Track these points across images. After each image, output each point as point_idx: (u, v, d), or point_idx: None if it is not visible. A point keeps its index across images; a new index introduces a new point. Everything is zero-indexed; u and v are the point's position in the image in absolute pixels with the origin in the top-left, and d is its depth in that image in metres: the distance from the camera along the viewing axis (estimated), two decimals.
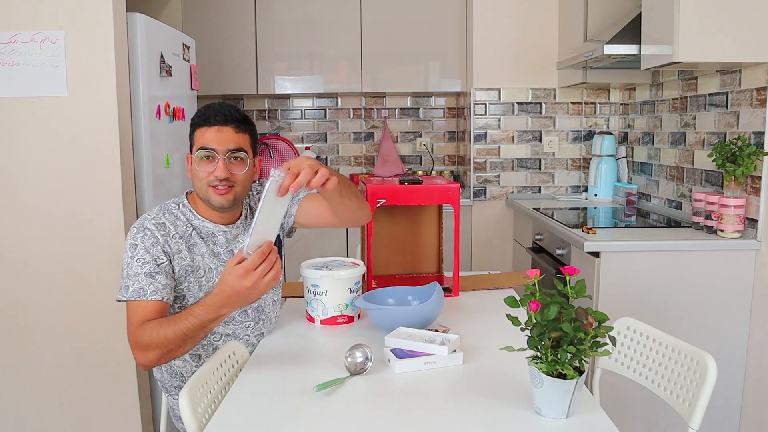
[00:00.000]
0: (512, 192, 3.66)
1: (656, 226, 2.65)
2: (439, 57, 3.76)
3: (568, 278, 1.18)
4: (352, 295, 1.69)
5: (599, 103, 3.60)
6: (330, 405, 1.22)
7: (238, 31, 3.70)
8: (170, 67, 2.61)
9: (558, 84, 3.54)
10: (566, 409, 1.13)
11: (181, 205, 1.58)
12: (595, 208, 3.25)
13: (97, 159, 2.25)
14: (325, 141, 4.16)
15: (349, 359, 1.36)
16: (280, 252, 1.73)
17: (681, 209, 2.82)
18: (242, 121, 1.54)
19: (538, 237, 3.07)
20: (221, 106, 1.53)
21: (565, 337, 1.10)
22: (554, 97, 3.58)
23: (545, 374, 1.11)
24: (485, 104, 3.59)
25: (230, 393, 1.28)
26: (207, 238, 1.57)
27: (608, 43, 2.59)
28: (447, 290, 1.93)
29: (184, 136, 2.81)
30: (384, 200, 1.85)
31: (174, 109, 2.67)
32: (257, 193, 1.71)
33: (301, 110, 4.14)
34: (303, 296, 1.75)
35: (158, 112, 2.51)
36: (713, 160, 2.33)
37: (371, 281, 1.95)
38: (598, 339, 1.12)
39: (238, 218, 1.63)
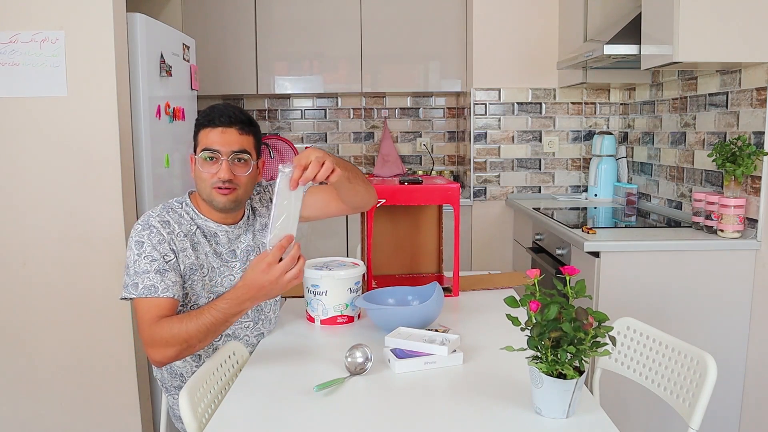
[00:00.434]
0: (512, 192, 3.66)
1: (656, 226, 2.65)
2: (439, 57, 3.76)
3: (568, 278, 1.18)
4: (352, 295, 1.69)
5: (599, 103, 3.60)
6: (330, 405, 1.22)
7: (238, 31, 3.70)
8: (170, 67, 2.62)
9: (558, 84, 3.54)
10: (566, 409, 1.13)
11: (184, 204, 1.58)
12: (595, 208, 3.25)
13: (97, 159, 2.25)
14: (325, 141, 4.16)
15: (349, 359, 1.36)
16: None
17: (681, 209, 2.82)
18: (247, 123, 1.54)
19: (538, 237, 3.07)
20: (226, 107, 1.53)
21: (565, 337, 1.10)
22: (554, 97, 3.58)
23: (545, 374, 1.11)
24: (485, 104, 3.59)
25: (230, 393, 1.28)
26: (210, 238, 1.57)
27: (608, 43, 2.59)
28: (447, 290, 1.93)
29: (184, 136, 2.84)
30: (384, 200, 1.85)
31: (174, 109, 2.67)
32: (257, 194, 1.71)
33: (301, 110, 4.14)
34: (303, 296, 1.76)
35: (158, 112, 2.51)
36: (713, 160, 2.33)
37: (371, 281, 1.95)
38: (598, 339, 1.12)
39: (241, 219, 1.63)
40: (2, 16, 2.18)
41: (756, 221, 2.25)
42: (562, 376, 1.11)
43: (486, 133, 3.61)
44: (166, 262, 1.46)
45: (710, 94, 2.57)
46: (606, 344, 1.13)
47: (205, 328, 1.37)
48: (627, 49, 2.58)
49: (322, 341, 1.60)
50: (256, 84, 3.76)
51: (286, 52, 3.75)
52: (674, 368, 1.46)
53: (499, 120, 3.60)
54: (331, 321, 1.68)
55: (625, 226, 2.73)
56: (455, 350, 1.41)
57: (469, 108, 3.63)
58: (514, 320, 1.17)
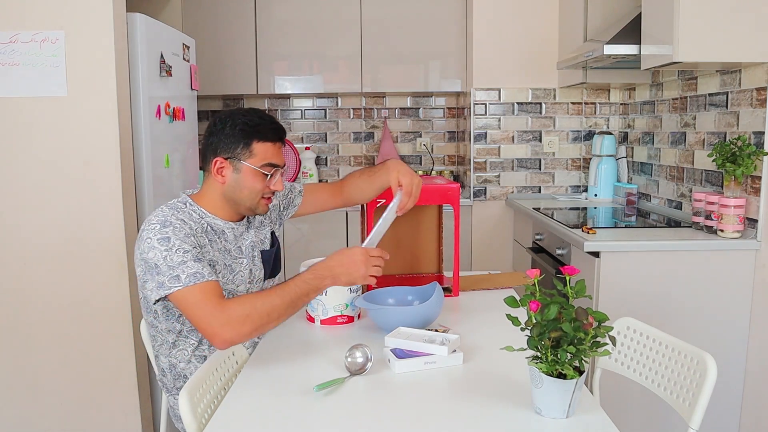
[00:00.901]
0: (512, 192, 3.66)
1: (656, 226, 2.65)
2: (439, 57, 3.76)
3: (568, 278, 1.18)
4: (352, 295, 1.69)
5: (599, 103, 3.60)
6: (330, 405, 1.22)
7: (238, 31, 3.70)
8: (170, 67, 2.62)
9: (558, 84, 3.54)
10: (566, 409, 1.13)
11: (187, 204, 1.59)
12: (595, 208, 3.25)
13: (97, 159, 2.25)
14: (325, 141, 4.16)
15: (349, 359, 1.36)
16: (277, 251, 1.76)
17: (681, 209, 2.82)
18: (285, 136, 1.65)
19: (538, 237, 3.07)
20: (273, 120, 1.60)
21: (565, 337, 1.10)
22: (554, 97, 3.58)
23: (545, 374, 1.11)
24: (485, 104, 3.59)
25: (230, 393, 1.28)
26: (219, 235, 1.60)
27: (608, 43, 2.59)
28: (447, 290, 1.93)
29: (185, 136, 2.84)
30: (384, 200, 1.85)
31: (174, 109, 2.67)
32: None
33: (301, 110, 4.14)
34: None
35: (158, 112, 2.51)
36: (713, 160, 2.33)
37: None
38: (598, 339, 1.12)
39: (244, 216, 1.67)
40: (2, 16, 2.18)
41: (756, 221, 2.25)
42: (562, 376, 1.11)
43: (486, 133, 3.61)
44: (199, 252, 1.46)
45: (710, 94, 2.57)
46: (606, 344, 1.13)
47: (290, 300, 1.41)
48: (627, 49, 2.58)
49: (322, 341, 1.60)
50: (256, 84, 3.76)
51: (286, 52, 3.75)
52: (674, 368, 1.46)
53: (499, 120, 3.60)
54: (331, 321, 1.68)
55: (625, 226, 2.73)
56: (455, 350, 1.40)
57: (469, 108, 3.63)
58: (514, 320, 1.17)
